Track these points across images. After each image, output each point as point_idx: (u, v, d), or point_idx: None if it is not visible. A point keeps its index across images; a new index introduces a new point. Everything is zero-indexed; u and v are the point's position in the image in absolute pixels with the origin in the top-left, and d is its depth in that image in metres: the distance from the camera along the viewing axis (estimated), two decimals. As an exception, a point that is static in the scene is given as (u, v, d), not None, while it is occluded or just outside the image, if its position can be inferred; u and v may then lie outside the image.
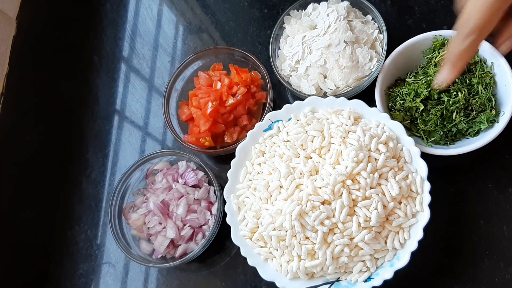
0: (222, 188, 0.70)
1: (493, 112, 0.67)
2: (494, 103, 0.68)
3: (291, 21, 0.78)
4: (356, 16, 0.76)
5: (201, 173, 0.75)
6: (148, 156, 0.76)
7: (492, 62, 0.69)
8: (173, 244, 0.72)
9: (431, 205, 0.63)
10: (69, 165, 0.84)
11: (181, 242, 0.72)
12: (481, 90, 0.68)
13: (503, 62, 0.67)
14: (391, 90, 0.73)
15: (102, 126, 0.85)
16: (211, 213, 0.73)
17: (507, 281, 0.66)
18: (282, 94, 0.81)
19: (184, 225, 0.72)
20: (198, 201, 0.74)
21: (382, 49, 0.73)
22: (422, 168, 0.65)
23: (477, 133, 0.69)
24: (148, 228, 0.73)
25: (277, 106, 0.75)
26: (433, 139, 0.70)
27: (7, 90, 0.90)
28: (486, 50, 0.69)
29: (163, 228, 0.72)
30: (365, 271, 0.64)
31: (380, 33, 0.75)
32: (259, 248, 0.66)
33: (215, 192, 0.74)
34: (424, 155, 0.65)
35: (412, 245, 0.63)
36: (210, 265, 0.74)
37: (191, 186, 0.74)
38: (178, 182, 0.74)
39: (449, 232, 0.69)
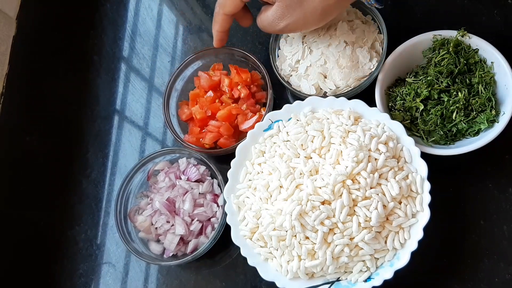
0: (224, 181, 0.71)
1: (493, 112, 0.67)
2: (494, 103, 0.68)
3: (291, 21, 0.78)
4: (356, 16, 0.76)
5: (202, 167, 0.75)
6: (147, 158, 0.76)
7: (492, 62, 0.69)
8: (183, 241, 0.73)
9: (431, 205, 0.64)
10: (69, 165, 0.84)
11: (191, 237, 0.72)
12: (481, 90, 0.68)
13: (503, 62, 0.67)
14: (391, 90, 0.73)
15: (102, 126, 0.85)
16: (217, 205, 0.73)
17: (507, 281, 0.66)
18: (282, 94, 0.81)
19: (192, 220, 0.72)
20: (203, 195, 0.74)
21: (382, 49, 0.73)
22: (422, 168, 0.65)
23: (477, 133, 0.69)
24: (156, 228, 0.73)
25: (277, 106, 0.75)
26: (433, 139, 0.70)
27: (7, 90, 0.90)
28: (486, 50, 0.69)
29: (171, 226, 0.72)
30: (365, 271, 0.64)
31: (380, 33, 0.75)
32: (259, 248, 0.66)
33: (218, 184, 0.74)
34: (424, 155, 0.66)
35: (412, 245, 0.63)
36: (210, 265, 0.74)
37: (195, 181, 0.74)
38: (180, 179, 0.75)
39: (449, 232, 0.69)
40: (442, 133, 0.69)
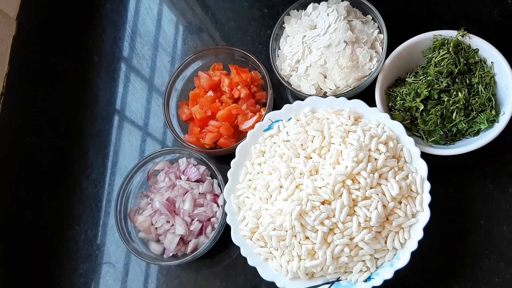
0: (224, 181, 0.71)
1: (493, 112, 0.67)
2: (494, 103, 0.68)
3: (291, 21, 0.78)
4: (356, 16, 0.76)
5: (202, 167, 0.75)
6: (147, 158, 0.76)
7: (492, 62, 0.69)
8: (183, 241, 0.73)
9: (431, 205, 0.64)
10: (69, 165, 0.84)
11: (191, 237, 0.72)
12: (481, 90, 0.68)
13: (503, 62, 0.67)
14: (391, 90, 0.73)
15: (102, 126, 0.85)
16: (217, 205, 0.73)
17: (507, 281, 0.66)
18: (282, 94, 0.81)
19: (192, 220, 0.72)
20: (203, 195, 0.74)
21: (382, 49, 0.73)
22: (422, 168, 0.65)
23: (477, 133, 0.69)
24: (156, 228, 0.73)
25: (277, 106, 0.75)
26: (433, 139, 0.70)
27: (7, 90, 0.90)
28: (486, 50, 0.69)
29: (171, 226, 0.72)
30: (365, 271, 0.64)
31: (380, 33, 0.75)
32: (259, 248, 0.66)
33: (218, 184, 0.74)
34: (424, 155, 0.66)
35: (412, 245, 0.63)
36: (210, 265, 0.74)
37: (195, 181, 0.74)
38: (180, 179, 0.75)
39: (449, 232, 0.69)
40: (442, 133, 0.69)
